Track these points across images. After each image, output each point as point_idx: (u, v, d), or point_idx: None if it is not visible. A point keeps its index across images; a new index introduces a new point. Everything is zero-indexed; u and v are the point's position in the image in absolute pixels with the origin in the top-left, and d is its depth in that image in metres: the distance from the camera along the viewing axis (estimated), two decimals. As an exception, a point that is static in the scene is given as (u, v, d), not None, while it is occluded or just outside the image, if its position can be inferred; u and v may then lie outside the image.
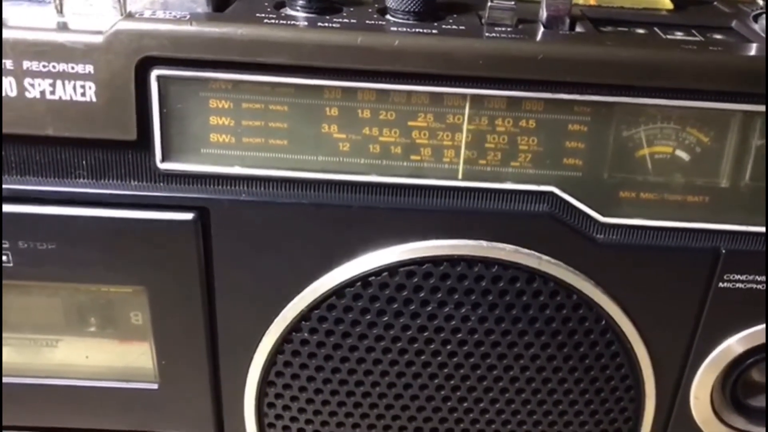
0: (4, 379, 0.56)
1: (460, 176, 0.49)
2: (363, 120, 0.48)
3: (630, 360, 0.55)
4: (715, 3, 0.59)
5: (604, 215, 0.50)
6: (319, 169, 0.49)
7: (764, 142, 0.49)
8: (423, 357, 0.53)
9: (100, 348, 0.56)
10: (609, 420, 0.57)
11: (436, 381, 0.55)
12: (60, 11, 0.47)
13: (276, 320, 0.53)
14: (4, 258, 0.50)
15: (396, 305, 0.52)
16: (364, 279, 0.51)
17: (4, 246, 0.50)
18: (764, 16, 0.53)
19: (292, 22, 0.46)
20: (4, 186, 0.49)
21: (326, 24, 0.46)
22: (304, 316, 0.52)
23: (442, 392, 0.55)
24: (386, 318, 0.52)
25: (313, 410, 0.56)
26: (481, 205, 0.50)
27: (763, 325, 0.54)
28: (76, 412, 0.57)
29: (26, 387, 0.56)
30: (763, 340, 0.55)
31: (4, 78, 0.45)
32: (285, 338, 0.53)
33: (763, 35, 0.50)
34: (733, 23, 0.53)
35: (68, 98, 0.46)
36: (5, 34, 0.44)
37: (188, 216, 0.49)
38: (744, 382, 0.58)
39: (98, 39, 0.45)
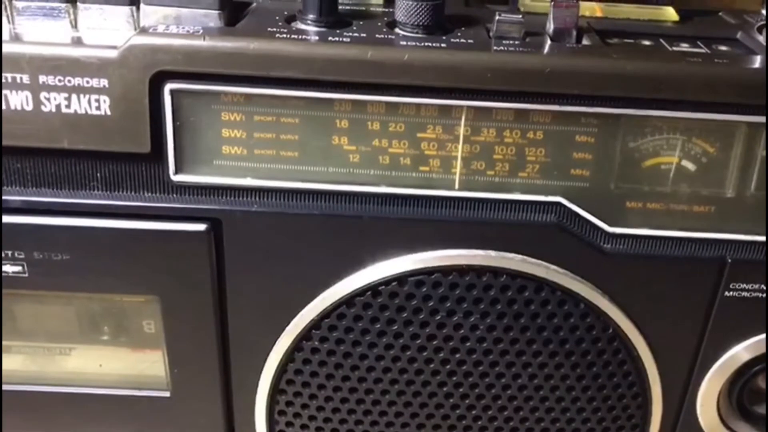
0: (18, 387, 0.57)
1: (468, 187, 0.50)
2: (373, 132, 0.49)
3: (637, 368, 0.55)
4: (721, 14, 0.59)
5: (611, 225, 0.51)
6: (329, 181, 0.50)
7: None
8: (432, 365, 0.54)
9: (113, 356, 0.57)
10: (616, 427, 0.58)
11: (446, 389, 0.55)
12: (75, 26, 0.48)
13: (287, 329, 0.53)
14: (19, 269, 0.51)
15: (405, 314, 0.52)
16: (373, 288, 0.52)
17: (19, 257, 0.51)
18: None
19: (303, 37, 0.47)
20: (20, 198, 0.49)
21: (336, 38, 0.47)
22: (314, 324, 0.53)
23: (451, 400, 0.56)
24: (396, 327, 0.53)
25: (323, 418, 0.57)
26: (489, 215, 0.51)
27: (770, 333, 0.55)
28: (89, 420, 0.58)
29: (40, 395, 0.57)
30: (770, 348, 0.55)
31: (20, 92, 0.46)
32: (296, 347, 0.54)
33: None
34: (738, 34, 0.54)
35: (83, 112, 0.46)
36: (21, 49, 0.45)
37: (201, 227, 0.50)
38: (750, 390, 0.58)
39: (113, 54, 0.45)
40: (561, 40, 0.49)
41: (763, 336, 0.55)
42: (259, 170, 0.49)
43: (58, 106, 0.46)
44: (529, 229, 0.51)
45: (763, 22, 0.55)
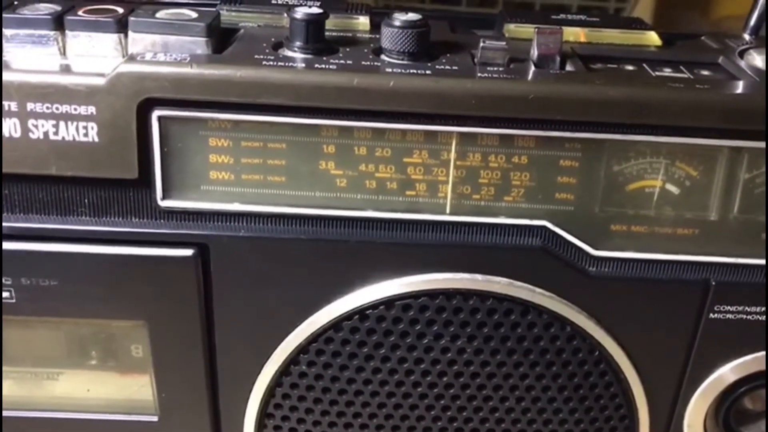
0: (6, 413, 0.56)
1: (454, 211, 0.50)
2: (359, 157, 0.49)
3: (623, 389, 0.56)
4: (703, 38, 0.60)
5: (596, 248, 0.51)
6: (316, 205, 0.50)
7: (752, 176, 0.50)
8: (420, 389, 0.54)
9: (101, 381, 0.56)
10: (604, 449, 0.58)
11: (433, 413, 0.55)
12: (63, 53, 0.49)
13: (274, 353, 0.53)
14: (6, 294, 0.51)
15: (393, 338, 0.52)
16: (361, 312, 0.52)
17: (6, 283, 0.51)
18: (749, 51, 0.54)
19: (290, 64, 0.47)
20: (8, 224, 0.49)
21: (323, 65, 0.47)
22: (302, 349, 0.53)
23: (439, 423, 0.56)
24: (383, 351, 0.53)
25: (312, 442, 0.57)
26: (475, 239, 0.51)
27: (755, 354, 0.55)
28: (77, 445, 0.58)
29: (28, 420, 0.57)
30: (755, 369, 0.55)
31: (8, 119, 0.46)
32: (283, 371, 0.54)
33: (749, 72, 0.52)
34: (720, 59, 0.55)
35: (71, 138, 0.47)
36: (10, 76, 0.45)
37: (188, 252, 0.50)
38: (736, 411, 0.58)
39: (101, 81, 0.46)
40: (545, 66, 0.50)
41: (749, 357, 0.55)
42: (247, 195, 0.50)
43: (46, 133, 0.47)
44: (515, 253, 0.51)
45: (745, 47, 0.56)
